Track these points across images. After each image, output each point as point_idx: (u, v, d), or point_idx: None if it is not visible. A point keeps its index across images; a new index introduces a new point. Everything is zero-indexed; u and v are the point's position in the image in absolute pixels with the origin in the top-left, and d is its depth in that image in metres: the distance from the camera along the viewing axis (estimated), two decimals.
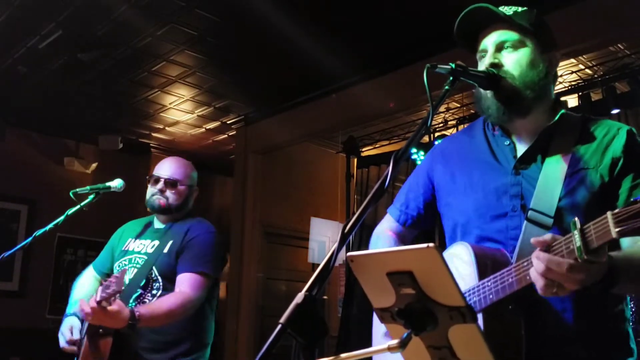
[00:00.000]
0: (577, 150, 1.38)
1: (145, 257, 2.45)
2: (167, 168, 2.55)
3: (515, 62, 1.42)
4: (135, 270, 2.44)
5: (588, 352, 1.30)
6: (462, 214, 1.48)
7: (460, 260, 1.35)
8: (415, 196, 1.65)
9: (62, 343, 2.29)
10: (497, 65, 1.41)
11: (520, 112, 1.41)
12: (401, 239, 1.67)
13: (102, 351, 2.13)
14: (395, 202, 1.70)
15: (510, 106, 1.40)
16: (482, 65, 1.44)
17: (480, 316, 1.27)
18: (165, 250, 2.43)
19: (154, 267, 2.40)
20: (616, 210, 1.00)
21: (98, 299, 1.98)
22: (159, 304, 2.25)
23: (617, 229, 0.99)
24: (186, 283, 2.32)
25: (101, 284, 2.06)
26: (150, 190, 2.54)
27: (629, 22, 3.66)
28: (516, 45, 1.43)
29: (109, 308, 2.00)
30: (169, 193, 2.52)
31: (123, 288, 2.04)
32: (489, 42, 1.45)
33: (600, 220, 1.03)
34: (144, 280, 2.39)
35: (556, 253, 1.10)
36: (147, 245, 2.51)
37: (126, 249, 2.56)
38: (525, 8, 1.47)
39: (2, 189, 6.07)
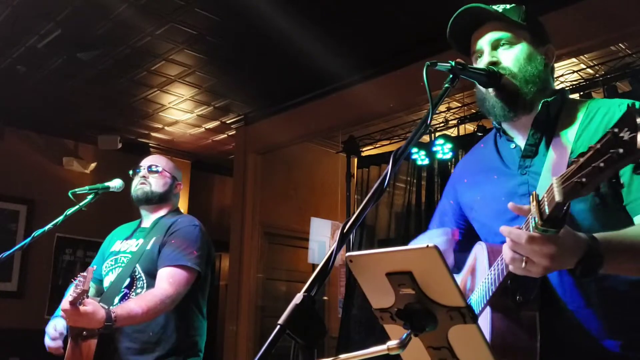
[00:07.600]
0: (578, 135, 1.35)
1: (130, 256, 2.43)
2: (148, 160, 2.63)
3: (513, 58, 1.42)
4: (120, 269, 2.41)
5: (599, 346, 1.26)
6: (484, 224, 1.50)
7: (478, 259, 1.40)
8: (449, 220, 1.64)
9: (47, 341, 2.25)
10: (495, 64, 1.41)
11: (525, 107, 1.40)
12: None
13: (85, 353, 2.10)
14: (430, 227, 1.68)
15: (514, 103, 1.40)
16: (481, 64, 1.44)
17: (488, 310, 1.27)
18: (149, 247, 2.39)
19: (137, 265, 2.37)
20: (561, 174, 0.97)
21: (70, 299, 1.97)
22: (135, 302, 2.20)
23: (560, 191, 0.95)
24: (165, 278, 2.27)
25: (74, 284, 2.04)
26: (135, 181, 2.58)
27: (630, 22, 3.65)
28: (512, 42, 1.43)
29: (82, 309, 1.98)
30: (151, 179, 2.55)
31: (90, 287, 2.02)
32: (484, 41, 1.45)
33: (550, 188, 1.00)
34: (128, 280, 2.36)
35: (526, 227, 1.09)
36: (133, 244, 2.49)
37: (113, 250, 2.55)
38: (513, 5, 1.47)
39: (0, 189, 6.06)
